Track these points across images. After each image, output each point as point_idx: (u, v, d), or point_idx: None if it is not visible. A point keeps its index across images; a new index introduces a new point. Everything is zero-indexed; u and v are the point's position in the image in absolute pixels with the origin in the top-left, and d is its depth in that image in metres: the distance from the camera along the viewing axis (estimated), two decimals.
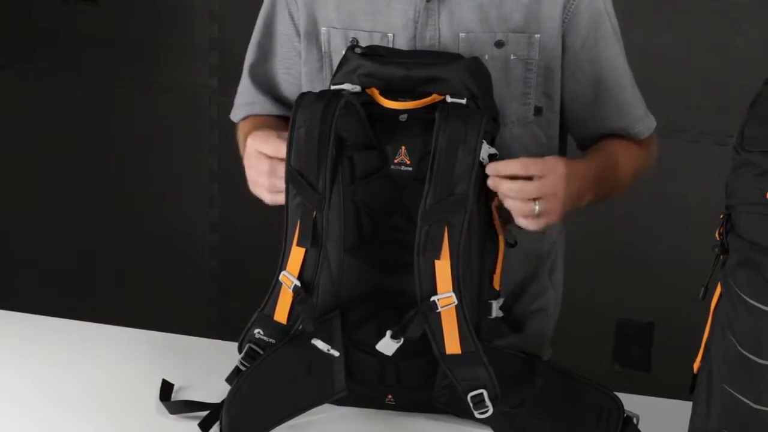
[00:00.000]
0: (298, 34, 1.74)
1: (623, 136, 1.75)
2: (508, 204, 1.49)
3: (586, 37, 1.68)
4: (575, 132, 1.77)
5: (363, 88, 1.53)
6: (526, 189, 1.48)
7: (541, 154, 1.70)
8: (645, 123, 1.76)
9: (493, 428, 1.50)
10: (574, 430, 1.48)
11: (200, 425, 1.50)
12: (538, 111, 1.69)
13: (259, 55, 1.80)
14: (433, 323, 1.42)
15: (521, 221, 1.51)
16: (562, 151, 1.78)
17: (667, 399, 1.61)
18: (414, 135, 1.48)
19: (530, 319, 1.80)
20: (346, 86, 1.53)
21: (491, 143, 1.51)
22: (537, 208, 1.48)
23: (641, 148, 1.76)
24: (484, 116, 1.44)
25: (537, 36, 1.65)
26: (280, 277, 1.48)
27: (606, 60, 1.70)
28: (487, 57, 1.64)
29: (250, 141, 1.57)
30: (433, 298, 1.42)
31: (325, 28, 1.70)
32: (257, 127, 1.71)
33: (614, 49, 1.71)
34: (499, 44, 1.65)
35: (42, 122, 3.41)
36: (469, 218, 1.41)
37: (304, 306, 1.46)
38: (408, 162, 1.49)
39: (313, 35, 1.72)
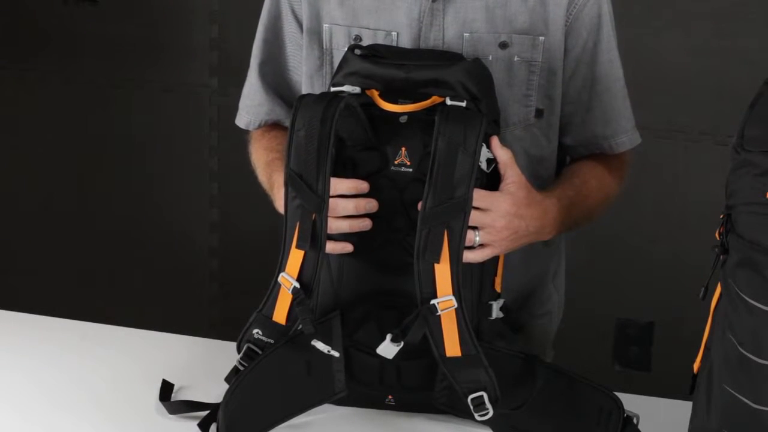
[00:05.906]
0: (302, 32, 1.73)
1: (601, 154, 1.73)
2: None
3: (586, 40, 1.68)
4: (565, 138, 1.74)
5: (363, 90, 1.53)
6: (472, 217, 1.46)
7: (540, 157, 1.70)
8: (629, 136, 1.74)
9: (493, 429, 1.50)
10: (574, 431, 1.49)
11: (200, 425, 1.50)
12: (539, 113, 1.68)
13: (267, 54, 1.78)
14: (433, 326, 1.42)
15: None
16: (561, 156, 1.77)
17: (667, 399, 1.61)
18: (414, 136, 1.48)
19: (535, 323, 1.80)
20: (346, 88, 1.52)
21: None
22: (477, 238, 1.48)
23: (613, 176, 1.73)
24: (483, 119, 1.43)
25: (541, 38, 1.65)
26: (279, 279, 1.48)
27: (601, 64, 1.69)
28: (490, 58, 1.64)
29: None
30: (433, 302, 1.41)
31: (327, 25, 1.69)
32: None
33: (611, 54, 1.70)
34: (503, 45, 1.64)
35: (42, 122, 3.41)
36: (468, 221, 1.41)
37: (303, 308, 1.46)
38: (408, 163, 1.49)
39: (315, 32, 1.71)
